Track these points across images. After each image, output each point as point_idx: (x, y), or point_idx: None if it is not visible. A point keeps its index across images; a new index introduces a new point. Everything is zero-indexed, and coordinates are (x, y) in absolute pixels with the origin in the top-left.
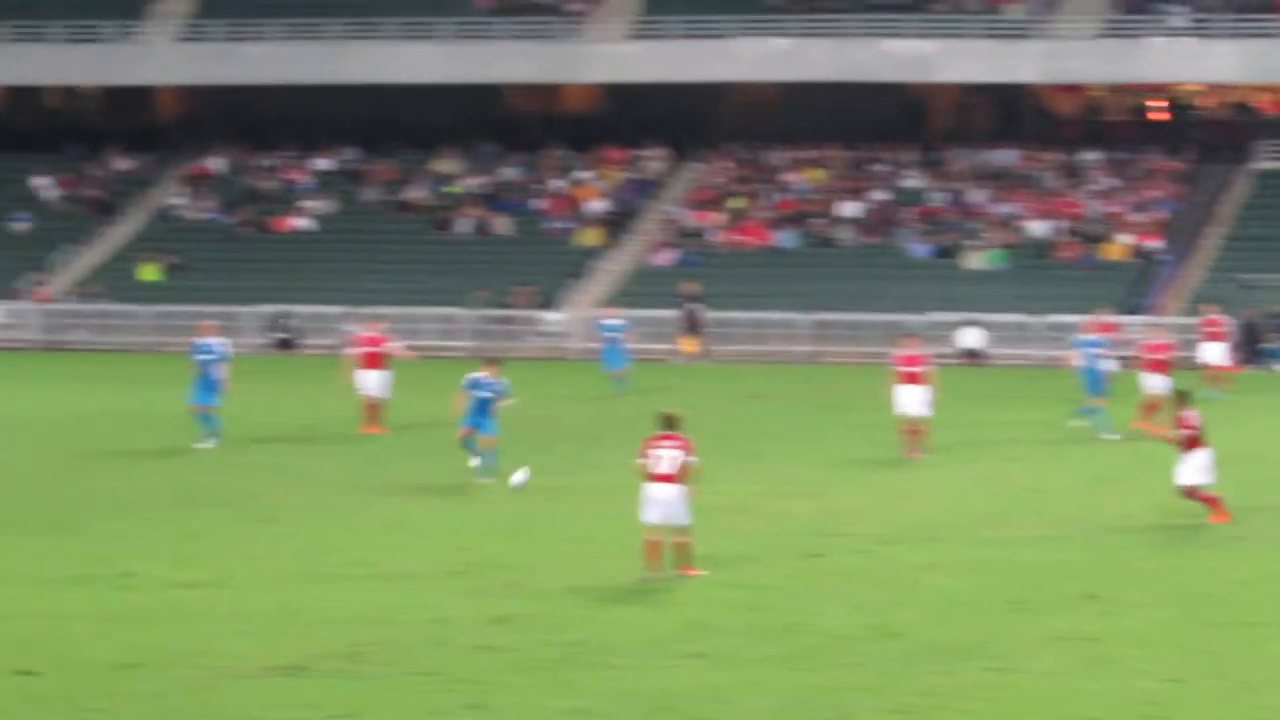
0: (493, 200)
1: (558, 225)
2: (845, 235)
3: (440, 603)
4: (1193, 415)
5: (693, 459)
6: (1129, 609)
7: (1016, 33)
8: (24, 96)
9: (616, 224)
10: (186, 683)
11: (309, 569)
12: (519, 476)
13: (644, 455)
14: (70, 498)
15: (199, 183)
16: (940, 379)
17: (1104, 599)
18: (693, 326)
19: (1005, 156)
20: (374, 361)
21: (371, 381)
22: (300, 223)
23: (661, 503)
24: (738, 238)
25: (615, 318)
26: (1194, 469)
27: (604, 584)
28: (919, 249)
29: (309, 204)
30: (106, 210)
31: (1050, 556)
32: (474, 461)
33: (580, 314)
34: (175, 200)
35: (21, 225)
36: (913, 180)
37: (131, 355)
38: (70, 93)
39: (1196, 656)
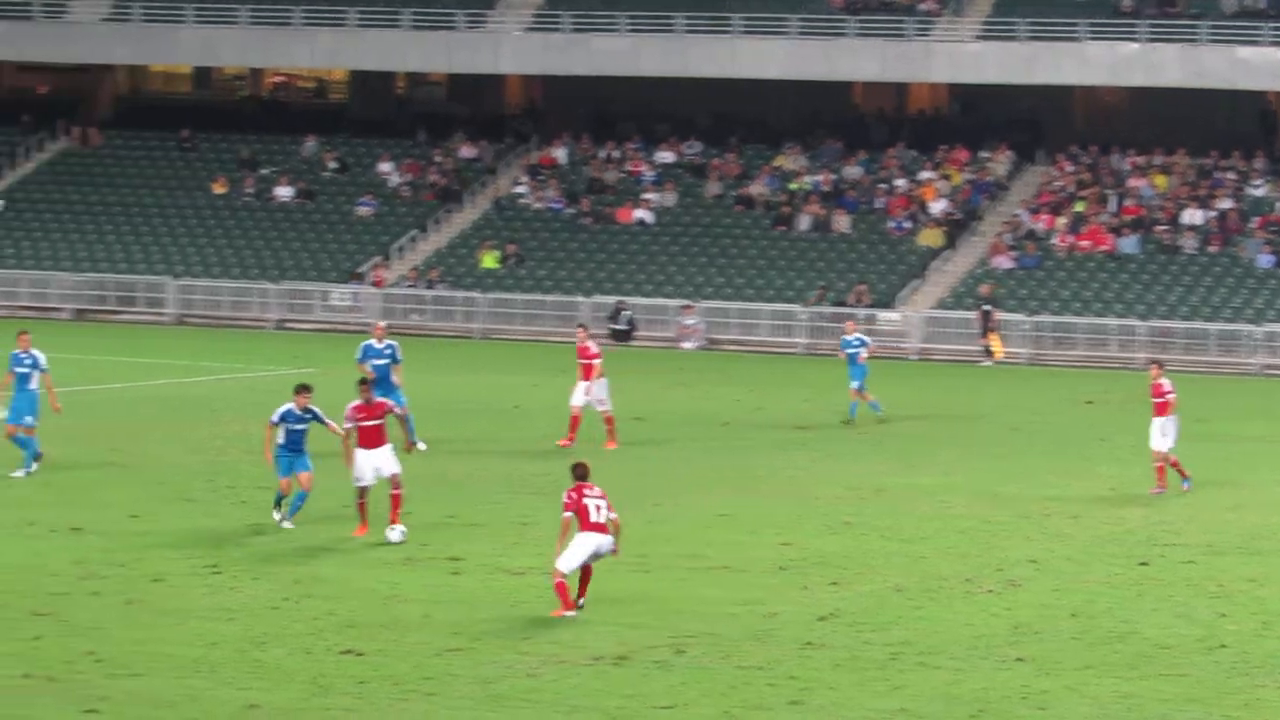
0: (834, 198)
1: (898, 225)
2: (1188, 243)
3: (766, 598)
4: None
5: (614, 514)
6: None
7: None
8: (372, 82)
9: (957, 225)
10: (512, 668)
11: (637, 560)
12: (396, 535)
13: (573, 507)
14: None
15: (541, 172)
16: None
17: None
18: (986, 326)
19: None
20: (587, 374)
21: (579, 394)
22: (641, 215)
23: (596, 550)
24: (1079, 242)
25: (855, 333)
26: None
27: (929, 585)
28: (1263, 259)
29: (650, 196)
30: (449, 197)
31: None
32: (281, 519)
33: (917, 314)
34: (517, 189)
35: (365, 210)
36: (1260, 189)
37: (468, 342)
38: (417, 80)
39: None
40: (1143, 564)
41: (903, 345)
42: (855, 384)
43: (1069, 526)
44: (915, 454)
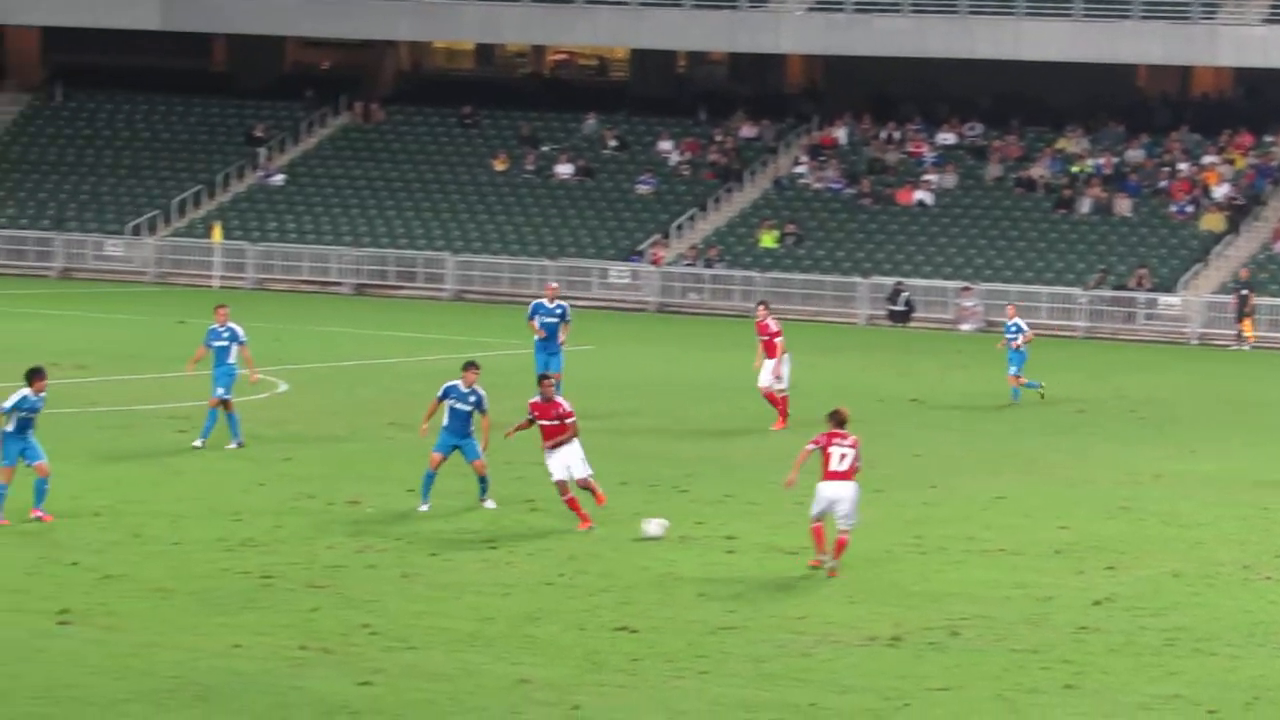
0: (1116, 181)
1: (1180, 209)
2: None
3: (1041, 581)
4: None
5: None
6: None
7: None
8: (653, 61)
9: (1240, 210)
10: (785, 647)
11: (913, 542)
12: (654, 528)
13: (822, 450)
14: (673, 460)
15: (822, 152)
16: None
17: None
18: (1242, 311)
19: None
20: (770, 352)
21: (766, 374)
22: (921, 196)
23: (832, 499)
24: None
25: (1015, 318)
26: None
27: (1207, 571)
28: None
29: (930, 178)
30: (729, 176)
31: None
32: (424, 506)
33: (1198, 299)
34: (797, 169)
35: (645, 188)
36: None
37: (746, 321)
38: (699, 58)
39: None
40: None
41: (1183, 330)
42: (1013, 369)
43: None
44: (1194, 439)
